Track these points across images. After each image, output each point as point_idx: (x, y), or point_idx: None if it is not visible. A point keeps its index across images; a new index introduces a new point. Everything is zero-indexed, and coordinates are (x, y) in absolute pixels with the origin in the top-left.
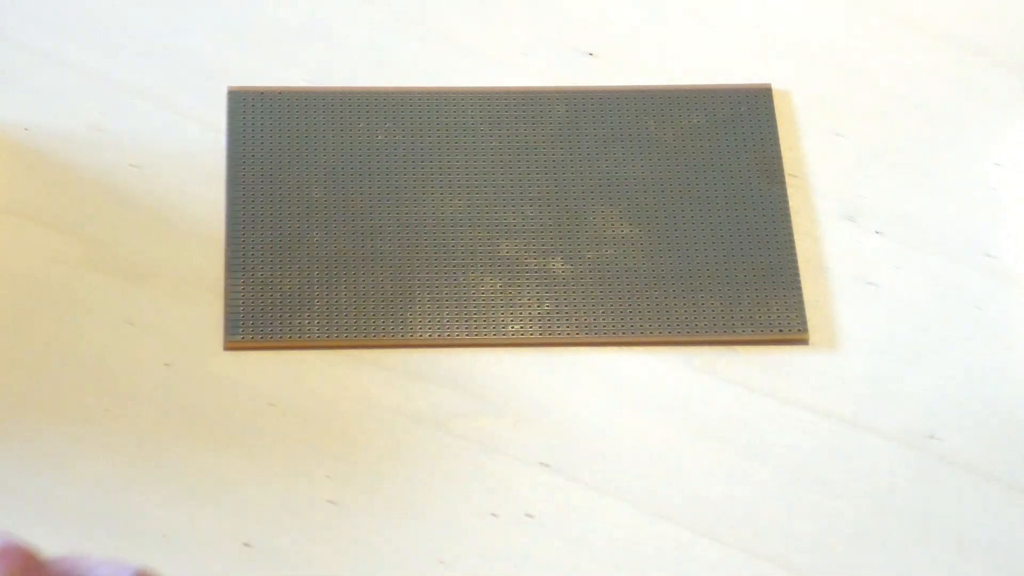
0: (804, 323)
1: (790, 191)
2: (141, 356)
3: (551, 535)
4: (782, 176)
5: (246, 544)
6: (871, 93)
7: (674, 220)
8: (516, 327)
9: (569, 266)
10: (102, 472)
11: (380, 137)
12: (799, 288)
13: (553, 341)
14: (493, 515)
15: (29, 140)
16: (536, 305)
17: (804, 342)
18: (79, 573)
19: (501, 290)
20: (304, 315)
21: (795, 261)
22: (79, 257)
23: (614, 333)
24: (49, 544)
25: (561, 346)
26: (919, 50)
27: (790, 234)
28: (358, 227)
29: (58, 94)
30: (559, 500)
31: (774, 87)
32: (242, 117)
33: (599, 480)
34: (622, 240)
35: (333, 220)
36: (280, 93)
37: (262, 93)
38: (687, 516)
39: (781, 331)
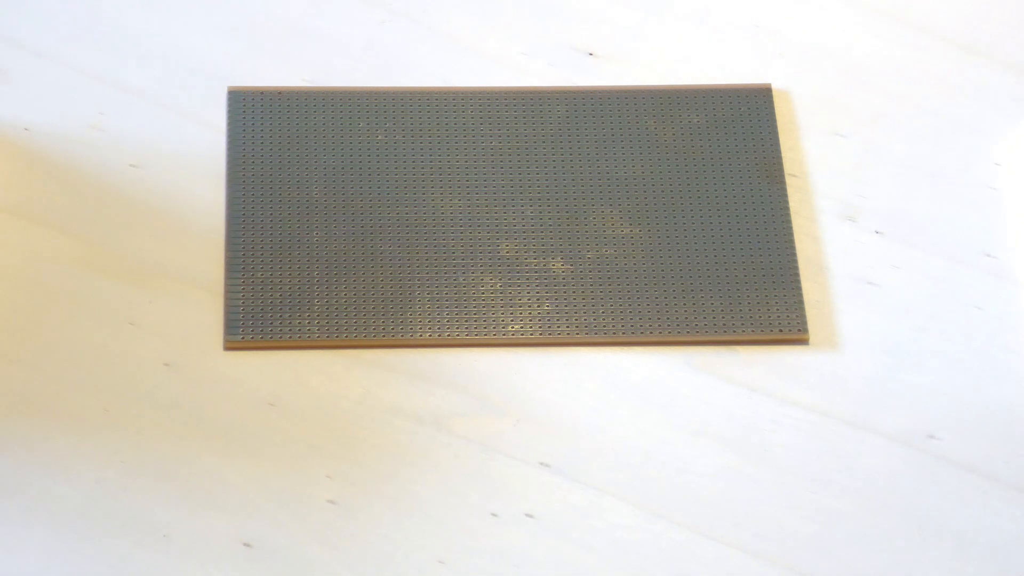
0: (804, 323)
1: (790, 191)
2: (141, 356)
3: (551, 535)
4: (782, 176)
5: (246, 544)
6: (871, 93)
7: (674, 220)
8: (516, 327)
9: (569, 266)
10: (102, 472)
11: (380, 137)
12: (799, 288)
13: (553, 341)
14: (493, 515)
15: (29, 140)
16: (536, 305)
17: (804, 342)
18: None
19: (501, 290)
20: (304, 315)
21: (795, 261)
22: (79, 257)
23: (614, 333)
24: (49, 544)
25: (561, 346)
26: (919, 50)
27: (790, 234)
28: (358, 227)
29: (58, 94)
30: (559, 500)
31: (774, 87)
32: (242, 117)
33: (599, 480)
34: (622, 240)
35: (333, 220)
36: (280, 93)
37: (262, 93)
38: (687, 516)
39: (781, 331)
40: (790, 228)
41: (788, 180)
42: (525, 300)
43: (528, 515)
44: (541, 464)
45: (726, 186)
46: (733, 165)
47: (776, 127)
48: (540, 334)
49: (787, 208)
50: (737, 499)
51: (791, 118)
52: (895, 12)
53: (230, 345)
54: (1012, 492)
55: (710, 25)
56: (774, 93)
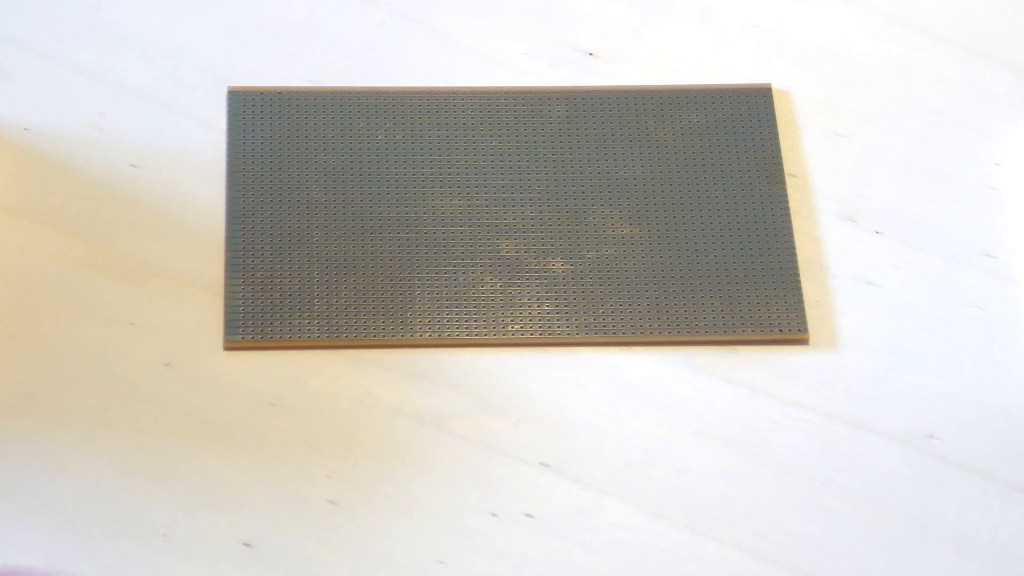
0: (804, 323)
1: (790, 191)
2: (141, 356)
3: (551, 535)
4: (782, 176)
5: (246, 544)
6: (871, 93)
7: (674, 220)
8: (516, 327)
9: (569, 266)
10: (102, 472)
11: (380, 137)
12: (799, 288)
13: (553, 341)
14: (493, 515)
15: (29, 140)
16: (536, 305)
17: (804, 342)
18: None
19: (501, 290)
20: (304, 315)
21: (795, 261)
22: (79, 257)
23: (614, 333)
24: (49, 545)
25: (561, 346)
26: (919, 50)
27: (790, 234)
28: (358, 227)
29: (58, 94)
30: (559, 500)
31: (774, 87)
32: (242, 117)
33: (599, 480)
34: (622, 240)
35: (333, 220)
36: (280, 93)
37: (262, 93)
38: (687, 516)
39: (781, 331)
40: (790, 228)
41: (788, 180)
42: (525, 300)
43: (528, 515)
44: (541, 464)
45: (726, 186)
46: (733, 165)
47: (776, 127)
48: (540, 334)
49: (787, 208)
50: (737, 499)
51: (791, 118)
52: (895, 12)
53: (230, 345)
54: (1012, 492)
55: (710, 25)
56: (774, 93)
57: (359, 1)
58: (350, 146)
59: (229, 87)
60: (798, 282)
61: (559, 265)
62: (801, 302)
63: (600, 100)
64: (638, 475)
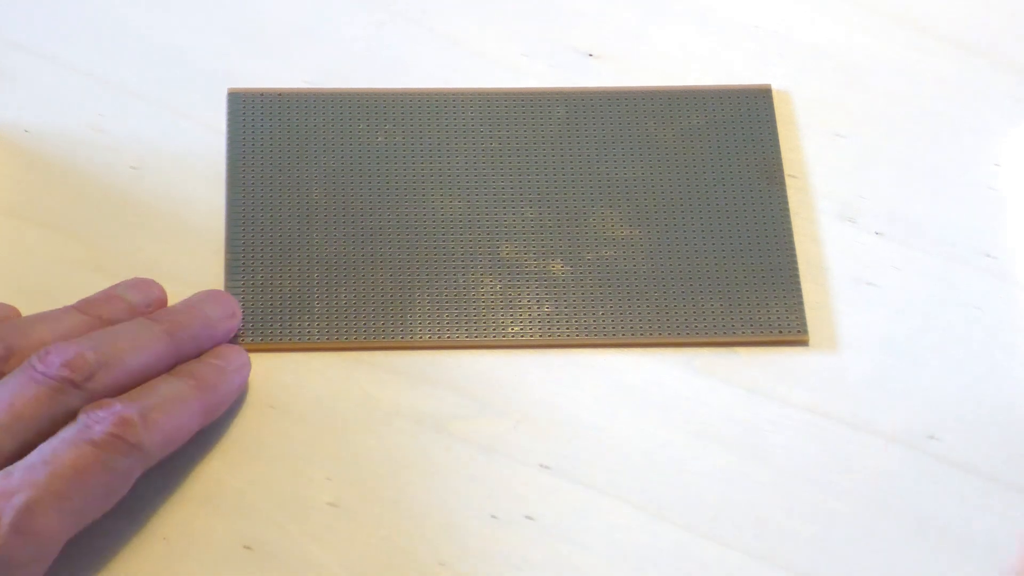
0: (804, 324)
1: (790, 192)
2: None
3: (551, 537)
4: (782, 177)
5: (246, 547)
6: (871, 93)
7: (674, 221)
8: (516, 329)
9: (569, 267)
10: None
11: (380, 138)
12: (799, 289)
13: (553, 343)
14: (493, 517)
15: (29, 141)
16: (536, 307)
17: (804, 343)
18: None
19: (501, 292)
20: (304, 317)
21: (795, 262)
22: (79, 258)
23: (614, 334)
24: None
25: (561, 348)
26: (919, 51)
27: (790, 235)
28: (358, 229)
29: (58, 95)
30: (559, 502)
31: (774, 87)
32: (242, 118)
33: (599, 482)
34: (622, 241)
35: (333, 222)
36: (280, 94)
37: (262, 94)
38: (687, 517)
39: (781, 332)
40: (790, 229)
41: (788, 181)
42: (525, 302)
43: (528, 517)
44: (541, 466)
45: (726, 187)
46: (733, 166)
47: (776, 128)
48: (540, 336)
49: (787, 209)
50: (737, 500)
51: (791, 119)
52: (895, 12)
53: None
54: (1012, 492)
55: (710, 25)
56: (774, 94)
57: (359, 2)
58: (350, 147)
59: (229, 88)
60: (798, 283)
61: (559, 267)
62: (801, 303)
63: (600, 101)
64: (638, 476)
